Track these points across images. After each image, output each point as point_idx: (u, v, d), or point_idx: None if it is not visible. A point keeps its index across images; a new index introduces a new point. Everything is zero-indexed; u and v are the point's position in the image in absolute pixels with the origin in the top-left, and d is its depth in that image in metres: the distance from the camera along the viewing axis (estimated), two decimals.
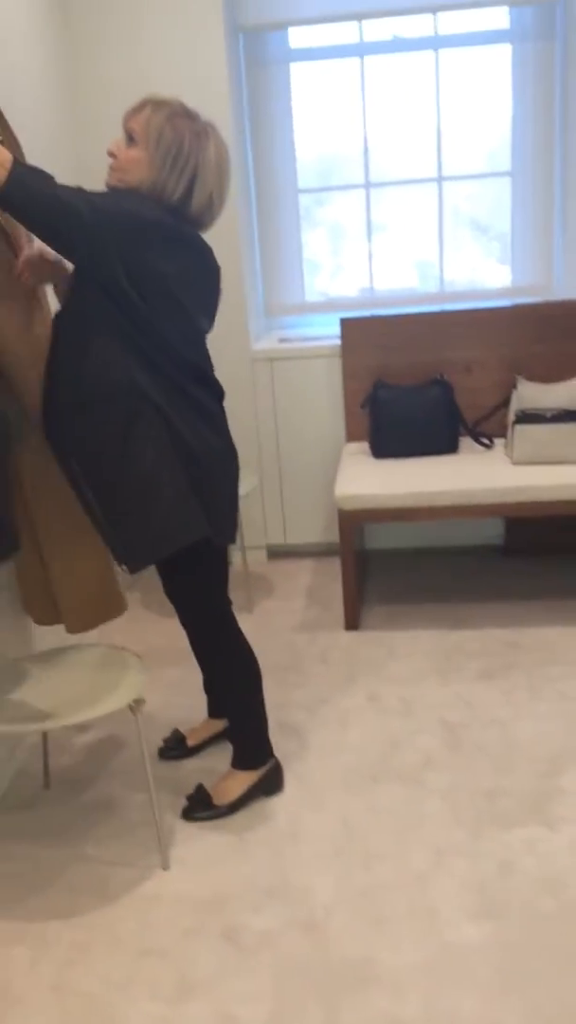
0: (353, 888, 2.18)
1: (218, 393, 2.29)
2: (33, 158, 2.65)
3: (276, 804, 2.50)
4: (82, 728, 2.91)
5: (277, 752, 2.63)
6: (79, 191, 2.02)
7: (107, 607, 2.58)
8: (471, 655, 3.20)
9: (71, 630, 2.55)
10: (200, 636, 2.45)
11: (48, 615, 2.59)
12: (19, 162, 1.95)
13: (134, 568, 2.23)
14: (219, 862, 2.30)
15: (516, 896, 2.12)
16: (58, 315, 2.19)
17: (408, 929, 2.05)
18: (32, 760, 2.77)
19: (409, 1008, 1.84)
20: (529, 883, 2.15)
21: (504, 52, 3.84)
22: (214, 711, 2.78)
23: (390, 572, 3.95)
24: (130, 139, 2.12)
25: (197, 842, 2.38)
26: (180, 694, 3.07)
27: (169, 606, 3.72)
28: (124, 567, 2.24)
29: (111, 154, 2.15)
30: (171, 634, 3.48)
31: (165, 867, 2.29)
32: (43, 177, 1.99)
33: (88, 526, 2.46)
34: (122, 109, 2.19)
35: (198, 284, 2.20)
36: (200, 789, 2.50)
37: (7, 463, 2.31)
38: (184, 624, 2.46)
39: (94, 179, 3.53)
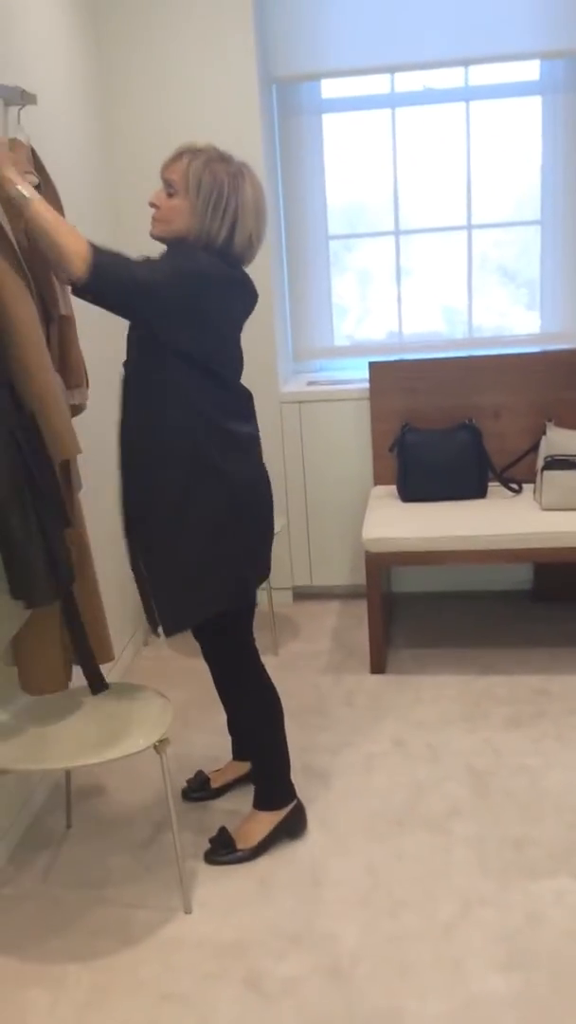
0: (378, 936, 2.14)
1: (253, 417, 2.37)
2: (71, 206, 2.70)
3: (300, 849, 2.47)
4: (106, 767, 2.89)
5: (301, 796, 2.61)
6: (149, 265, 2.08)
7: (48, 680, 2.41)
8: (499, 701, 3.16)
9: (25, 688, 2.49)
10: (224, 671, 2.46)
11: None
12: (96, 249, 2.00)
13: (171, 632, 2.29)
14: (242, 906, 2.27)
15: (544, 948, 2.07)
16: (127, 378, 2.23)
17: (434, 979, 2.00)
18: (55, 798, 2.76)
19: None
20: (557, 935, 2.11)
21: (534, 104, 3.89)
22: (238, 753, 2.76)
23: (417, 616, 3.92)
24: (169, 189, 2.17)
25: (220, 885, 2.35)
26: (203, 733, 3.05)
27: (192, 644, 3.71)
28: (159, 630, 2.30)
29: (153, 205, 2.20)
30: (195, 673, 3.47)
31: (187, 910, 2.26)
32: (118, 261, 2.05)
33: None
34: (158, 157, 2.23)
35: (244, 317, 2.29)
36: (223, 832, 2.48)
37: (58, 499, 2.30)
38: (208, 660, 2.47)
39: (130, 225, 3.60)
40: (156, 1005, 1.98)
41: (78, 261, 1.98)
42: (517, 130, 3.95)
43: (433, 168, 4.03)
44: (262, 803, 2.50)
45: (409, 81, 3.95)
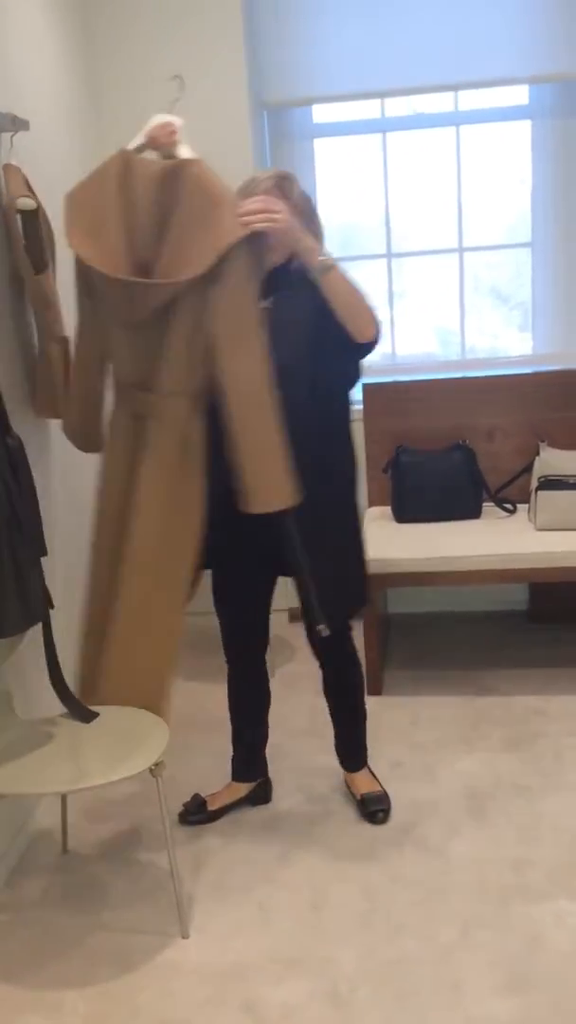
0: (377, 960, 2.12)
1: None
2: (63, 235, 2.72)
3: (298, 873, 2.46)
4: (102, 791, 2.87)
5: (298, 816, 2.62)
6: None
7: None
8: (496, 722, 3.15)
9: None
10: (339, 659, 2.63)
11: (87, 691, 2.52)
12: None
13: (339, 624, 2.48)
14: (240, 931, 2.25)
15: (544, 971, 2.06)
16: (304, 406, 2.25)
17: (433, 1003, 1.99)
18: (51, 823, 2.73)
19: None
20: (557, 958, 2.09)
21: (524, 128, 3.93)
22: (239, 775, 2.74)
23: (413, 637, 3.92)
24: None
25: (217, 910, 2.33)
26: (200, 757, 3.03)
27: (189, 668, 3.70)
28: (322, 626, 2.41)
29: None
30: (192, 696, 3.46)
31: (184, 935, 2.24)
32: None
33: (167, 621, 2.43)
34: None
35: None
36: (364, 799, 2.66)
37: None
38: (249, 664, 2.68)
39: None
40: None
41: (374, 324, 2.18)
42: (507, 154, 3.98)
43: (424, 191, 4.06)
44: (361, 762, 2.73)
45: (399, 106, 3.98)
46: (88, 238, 2.17)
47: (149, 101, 3.69)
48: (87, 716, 2.33)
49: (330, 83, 3.82)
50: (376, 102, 3.97)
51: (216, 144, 3.67)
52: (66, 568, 3.04)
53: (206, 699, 3.28)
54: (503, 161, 3.99)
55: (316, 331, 2.20)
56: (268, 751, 2.79)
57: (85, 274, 2.28)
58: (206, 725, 3.21)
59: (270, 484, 2.22)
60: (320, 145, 4.04)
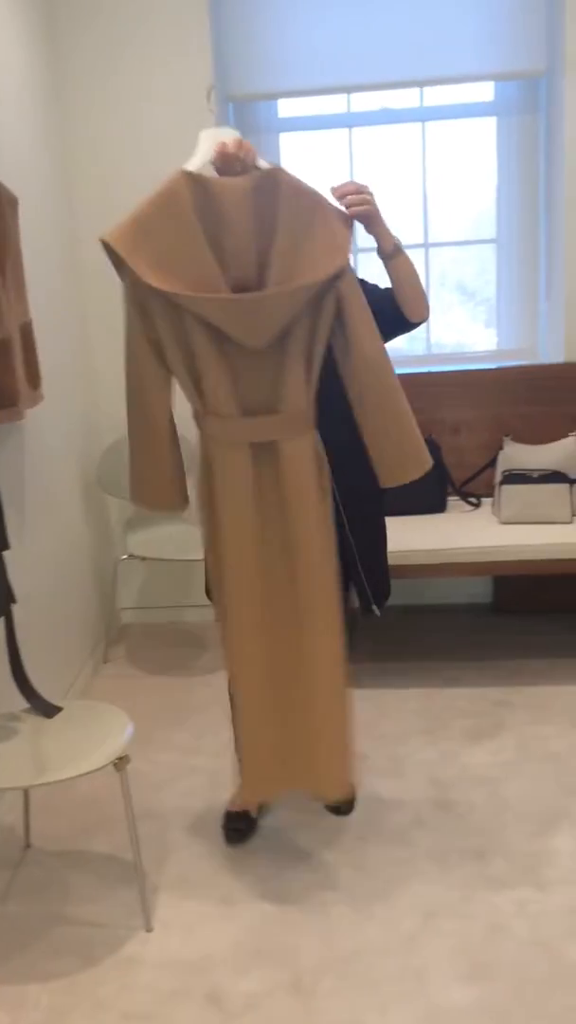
0: (341, 950, 2.14)
1: None
2: (28, 222, 2.70)
3: (261, 864, 2.46)
4: (65, 785, 2.86)
5: (263, 811, 2.61)
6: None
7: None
8: (461, 713, 3.18)
9: (329, 793, 2.38)
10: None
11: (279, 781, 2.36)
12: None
13: (383, 604, 2.55)
14: (203, 924, 2.25)
15: (506, 959, 2.08)
16: (335, 392, 2.23)
17: (396, 992, 2.00)
18: (13, 818, 2.72)
19: None
20: (519, 946, 2.12)
21: (489, 124, 3.95)
22: None
23: (378, 629, 3.93)
24: None
25: (181, 903, 2.33)
26: (165, 751, 3.03)
27: (156, 662, 3.70)
28: (375, 607, 2.53)
29: None
30: (156, 690, 3.45)
31: (148, 928, 2.24)
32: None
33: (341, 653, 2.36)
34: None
35: None
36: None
37: None
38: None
39: (88, 238, 3.59)
40: None
41: (427, 305, 2.35)
42: (472, 150, 4.00)
43: (390, 187, 4.08)
44: None
45: (365, 101, 3.99)
46: (163, 271, 1.99)
47: (113, 90, 3.69)
48: (49, 711, 2.33)
49: (296, 77, 3.82)
50: (342, 97, 3.98)
51: (181, 137, 3.66)
52: (34, 563, 3.02)
53: (170, 693, 3.27)
54: (468, 157, 4.01)
55: None
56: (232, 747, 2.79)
57: (147, 314, 2.07)
58: (171, 720, 3.21)
59: (416, 452, 2.28)
60: (286, 140, 4.04)
